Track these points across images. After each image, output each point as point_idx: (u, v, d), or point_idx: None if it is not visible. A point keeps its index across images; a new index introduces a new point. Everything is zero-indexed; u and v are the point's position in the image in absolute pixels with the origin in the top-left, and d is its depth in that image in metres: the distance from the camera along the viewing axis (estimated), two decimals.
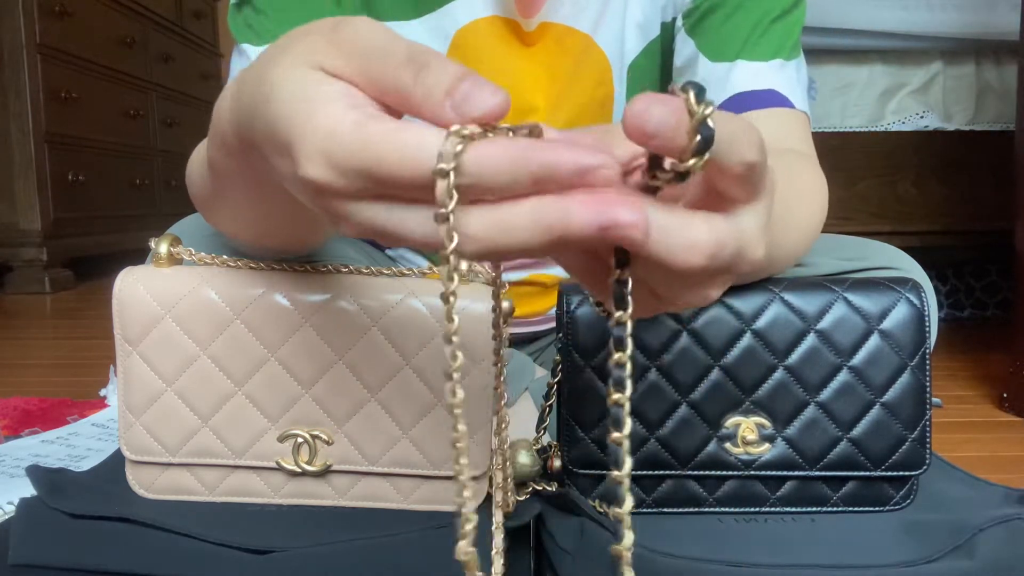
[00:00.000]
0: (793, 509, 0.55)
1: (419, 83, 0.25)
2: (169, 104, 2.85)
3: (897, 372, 0.53)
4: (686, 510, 0.55)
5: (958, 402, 1.05)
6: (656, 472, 0.54)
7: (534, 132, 0.25)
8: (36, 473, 0.53)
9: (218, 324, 0.51)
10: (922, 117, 1.49)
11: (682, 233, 0.24)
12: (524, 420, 0.67)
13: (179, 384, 0.51)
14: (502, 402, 0.40)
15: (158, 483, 0.54)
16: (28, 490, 0.52)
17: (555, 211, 0.23)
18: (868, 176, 1.50)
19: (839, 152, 1.48)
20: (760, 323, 0.53)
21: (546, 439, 0.60)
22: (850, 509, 0.55)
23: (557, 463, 0.56)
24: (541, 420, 0.58)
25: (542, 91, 0.68)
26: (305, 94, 0.26)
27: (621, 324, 0.24)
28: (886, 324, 0.53)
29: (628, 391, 0.23)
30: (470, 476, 0.24)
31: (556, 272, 0.74)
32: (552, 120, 0.67)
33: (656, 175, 0.24)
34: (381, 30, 0.27)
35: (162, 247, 0.51)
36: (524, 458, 0.56)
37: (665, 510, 0.55)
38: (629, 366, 0.24)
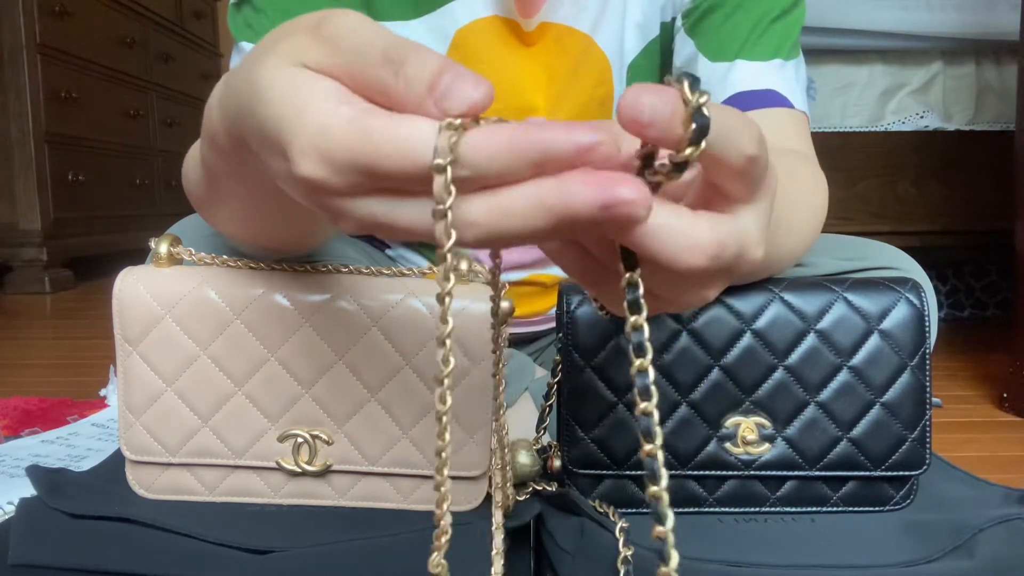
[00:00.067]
0: (793, 509, 0.55)
1: (399, 79, 0.24)
2: (169, 104, 2.85)
3: (897, 372, 0.53)
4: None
5: (958, 402, 1.05)
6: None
7: None
8: (36, 473, 0.53)
9: (218, 324, 0.51)
10: (922, 117, 1.50)
11: (684, 234, 0.24)
12: (524, 420, 0.67)
13: (179, 384, 0.51)
14: (501, 397, 0.40)
15: (158, 483, 0.54)
16: (28, 490, 0.52)
17: (555, 192, 0.22)
18: (868, 176, 1.50)
19: (839, 152, 1.48)
20: (760, 323, 0.53)
21: (546, 439, 0.60)
22: (850, 509, 0.55)
23: (557, 463, 0.56)
24: (541, 420, 0.59)
25: (542, 91, 0.68)
26: (294, 92, 0.26)
27: (638, 329, 0.23)
28: (886, 324, 0.53)
29: (655, 399, 0.23)
30: (451, 486, 0.24)
31: (556, 272, 0.74)
32: (552, 120, 0.67)
33: (656, 171, 0.24)
34: (362, 25, 0.26)
35: (162, 247, 0.51)
36: (524, 458, 0.56)
37: None
38: (652, 372, 0.23)
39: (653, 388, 0.23)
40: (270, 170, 0.28)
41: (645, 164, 0.24)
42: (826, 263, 0.60)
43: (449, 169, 0.22)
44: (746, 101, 0.60)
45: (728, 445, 0.53)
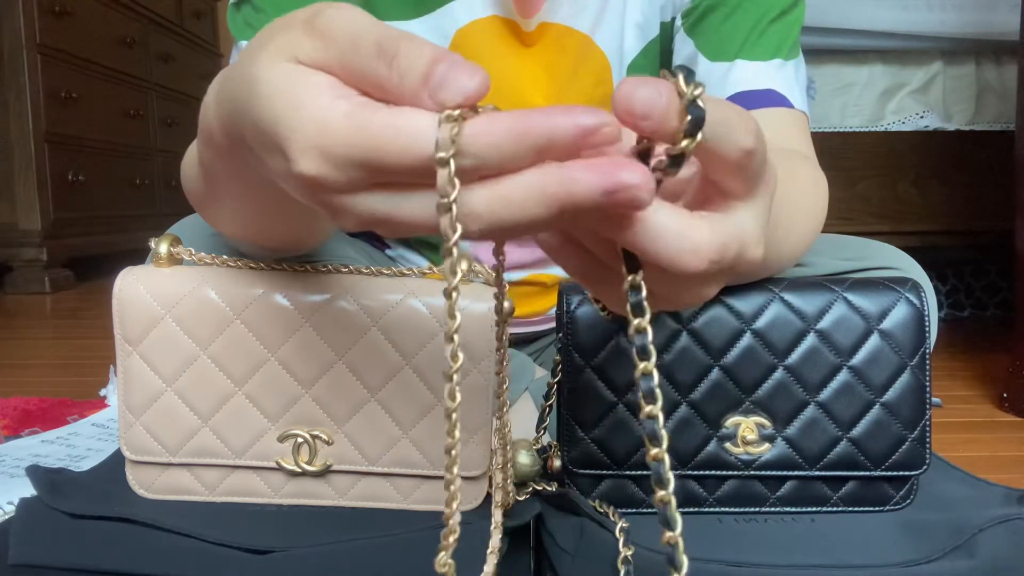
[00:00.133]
0: (793, 509, 0.55)
1: (393, 71, 0.24)
2: (169, 104, 2.85)
3: (897, 372, 0.53)
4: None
5: (958, 402, 1.05)
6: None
7: None
8: (36, 473, 0.53)
9: (218, 324, 0.51)
10: (922, 117, 1.50)
11: (685, 237, 0.24)
12: (524, 420, 0.67)
13: (179, 384, 0.51)
14: (505, 396, 0.40)
15: (158, 483, 0.54)
16: (28, 490, 0.52)
17: (558, 179, 0.22)
18: (868, 176, 1.50)
19: (839, 152, 1.48)
20: (760, 323, 0.53)
21: (546, 439, 0.60)
22: (850, 509, 0.55)
23: (557, 463, 0.56)
24: (541, 420, 0.58)
25: (541, 91, 0.68)
26: (289, 88, 0.25)
27: (641, 332, 0.23)
28: (886, 324, 0.53)
29: (660, 402, 0.22)
30: (467, 476, 0.24)
31: (556, 272, 0.75)
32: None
33: (653, 167, 0.24)
34: (356, 17, 0.26)
35: (162, 247, 0.51)
36: (524, 458, 0.56)
37: None
38: (657, 376, 0.23)
39: (658, 391, 0.22)
40: (268, 168, 0.28)
41: (642, 160, 0.24)
42: (826, 263, 0.60)
43: (452, 162, 0.22)
44: (746, 101, 0.60)
45: (728, 445, 0.53)
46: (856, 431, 0.53)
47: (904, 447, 0.53)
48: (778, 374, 0.53)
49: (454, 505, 0.24)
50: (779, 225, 0.43)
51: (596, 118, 0.22)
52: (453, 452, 0.24)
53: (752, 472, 0.54)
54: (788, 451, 0.53)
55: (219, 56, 3.32)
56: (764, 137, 0.27)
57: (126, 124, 2.55)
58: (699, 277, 0.26)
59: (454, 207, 0.22)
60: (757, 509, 0.55)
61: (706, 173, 0.27)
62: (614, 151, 0.23)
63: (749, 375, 0.53)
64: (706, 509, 0.55)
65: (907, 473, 0.54)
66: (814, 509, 0.55)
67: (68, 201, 2.21)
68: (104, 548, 0.47)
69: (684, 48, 0.66)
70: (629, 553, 0.47)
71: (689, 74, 0.23)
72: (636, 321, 0.23)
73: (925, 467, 0.54)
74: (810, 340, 0.53)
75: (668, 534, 0.22)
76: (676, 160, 0.23)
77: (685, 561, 0.22)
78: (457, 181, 0.22)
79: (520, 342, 0.80)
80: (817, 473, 0.54)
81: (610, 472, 0.54)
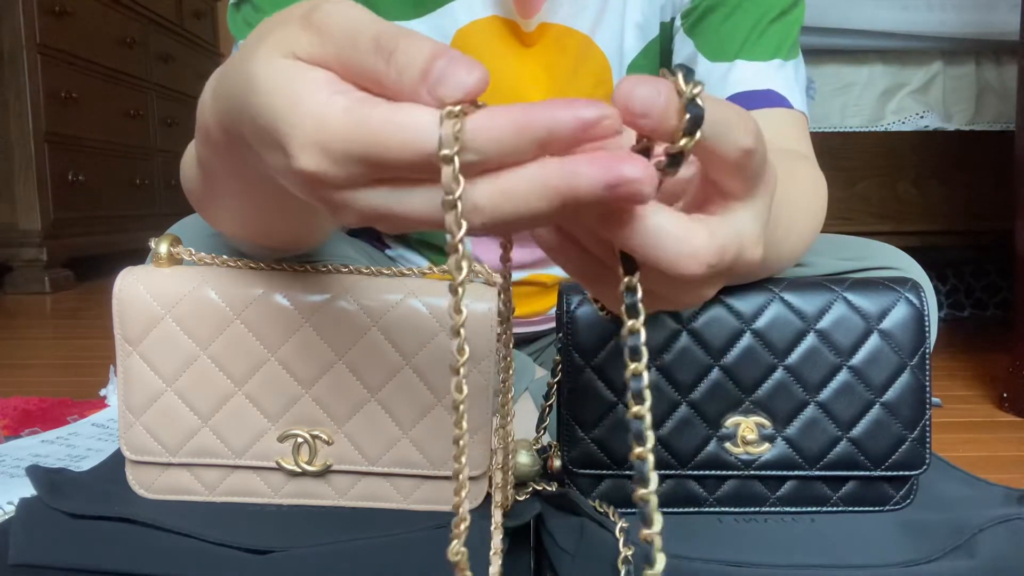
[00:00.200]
0: (793, 509, 0.55)
1: (391, 67, 0.24)
2: (169, 104, 2.85)
3: (897, 372, 0.53)
4: (686, 510, 0.55)
5: (958, 402, 1.05)
6: (656, 472, 0.54)
7: None
8: (36, 473, 0.53)
9: (218, 324, 0.51)
10: (922, 117, 1.50)
11: (684, 241, 0.24)
12: (524, 420, 0.67)
13: (179, 384, 0.51)
14: (509, 395, 0.40)
15: (158, 483, 0.54)
16: (28, 490, 0.52)
17: (560, 172, 0.22)
18: (868, 176, 1.50)
19: (839, 152, 1.48)
20: (760, 323, 0.53)
21: (546, 439, 0.60)
22: (850, 509, 0.55)
23: (557, 463, 0.56)
24: (541, 420, 0.59)
25: (541, 91, 0.68)
26: (287, 84, 0.25)
27: (635, 333, 0.23)
28: (886, 324, 0.53)
29: (648, 403, 0.22)
30: (468, 476, 0.24)
31: (556, 272, 0.75)
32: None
33: (652, 167, 0.24)
34: (354, 12, 0.25)
35: (162, 247, 0.51)
36: (524, 458, 0.56)
37: (665, 510, 0.55)
38: (646, 376, 0.23)
39: (647, 392, 0.23)
40: (267, 165, 0.28)
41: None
42: (826, 263, 0.60)
43: (456, 158, 0.22)
44: (745, 101, 0.60)
45: (728, 445, 0.53)
46: (856, 431, 0.53)
47: (904, 447, 0.53)
48: (778, 374, 0.53)
49: (463, 494, 0.24)
50: (779, 225, 0.43)
51: (597, 111, 0.22)
52: (461, 443, 0.24)
53: (752, 472, 0.54)
54: (788, 451, 0.53)
55: (219, 56, 3.32)
56: (764, 137, 0.27)
57: (126, 124, 2.55)
58: (697, 280, 0.26)
59: (459, 204, 0.22)
60: (757, 509, 0.55)
61: (706, 173, 0.27)
62: (615, 145, 0.23)
63: (749, 375, 0.53)
64: (706, 509, 0.55)
65: (907, 473, 0.54)
66: (814, 509, 0.55)
67: (68, 201, 2.21)
68: (104, 548, 0.47)
69: (684, 48, 0.66)
70: (629, 553, 0.47)
71: (688, 73, 0.23)
72: (630, 323, 0.23)
73: (925, 467, 0.54)
74: (810, 340, 0.53)
75: (646, 531, 0.22)
76: (675, 159, 0.23)
77: (661, 559, 0.22)
78: (461, 178, 0.22)
79: (520, 342, 0.80)
80: (817, 473, 0.54)
81: (610, 472, 0.54)
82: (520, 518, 0.50)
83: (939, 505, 0.55)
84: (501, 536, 0.46)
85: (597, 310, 0.53)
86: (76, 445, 0.77)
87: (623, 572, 0.46)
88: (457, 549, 0.24)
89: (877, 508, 0.55)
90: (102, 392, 0.99)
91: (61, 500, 0.50)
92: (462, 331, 0.23)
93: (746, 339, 0.53)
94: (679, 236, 0.24)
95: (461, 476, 0.24)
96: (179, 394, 0.51)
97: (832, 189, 0.58)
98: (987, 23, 1.41)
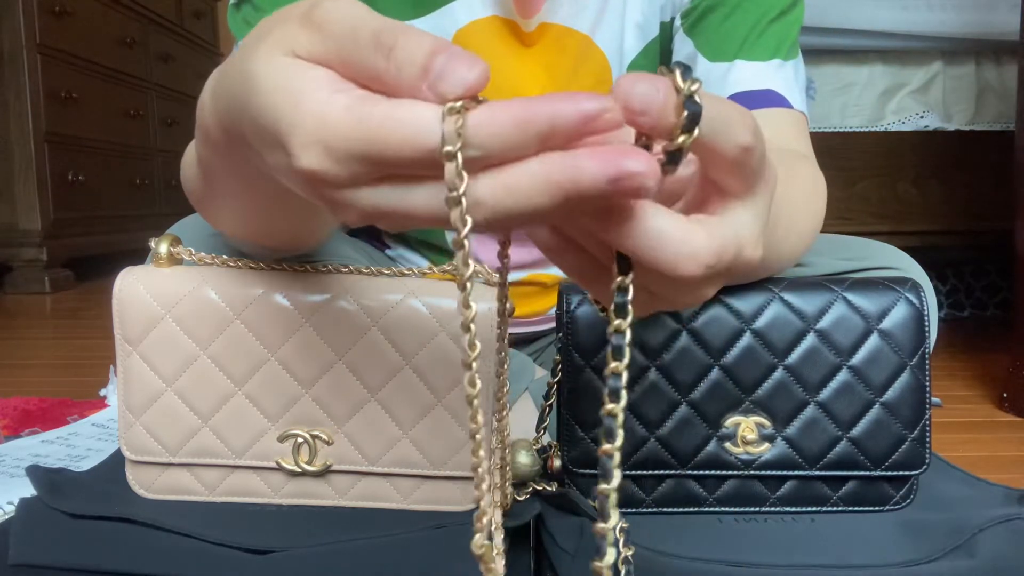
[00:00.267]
0: (793, 509, 0.55)
1: (391, 63, 0.23)
2: (169, 104, 2.85)
3: (897, 372, 0.53)
4: (686, 510, 0.55)
5: (958, 402, 1.05)
6: (656, 472, 0.54)
7: None
8: (36, 473, 0.53)
9: (218, 324, 0.51)
10: (922, 117, 1.50)
11: (682, 242, 0.24)
12: (524, 420, 0.67)
13: (179, 384, 0.51)
14: (506, 397, 0.40)
15: (158, 483, 0.54)
16: (28, 490, 0.52)
17: (562, 167, 0.22)
18: (868, 176, 1.50)
19: (839, 152, 1.48)
20: (760, 323, 0.53)
21: (546, 439, 0.60)
22: (850, 509, 0.55)
23: (557, 463, 0.56)
24: (541, 420, 0.59)
25: (541, 91, 0.67)
26: (288, 83, 0.25)
27: (620, 332, 0.23)
28: (886, 324, 0.53)
29: (623, 402, 0.23)
30: (487, 468, 0.24)
31: (556, 272, 0.74)
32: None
33: None
34: (352, 10, 0.25)
35: (162, 247, 0.51)
36: (524, 458, 0.56)
37: (665, 510, 0.55)
38: (625, 376, 0.23)
39: (624, 392, 0.22)
40: (268, 164, 0.28)
41: None
42: (826, 263, 0.60)
43: (459, 155, 0.22)
44: (745, 101, 0.60)
45: (728, 445, 0.53)
46: (856, 431, 0.53)
47: (904, 447, 0.53)
48: (778, 374, 0.53)
49: (483, 487, 0.24)
50: (779, 225, 0.43)
51: (599, 103, 0.22)
52: (478, 437, 0.24)
53: (752, 472, 0.54)
54: (788, 451, 0.53)
55: (219, 56, 3.32)
56: (763, 135, 0.27)
57: (126, 124, 2.55)
58: (697, 280, 0.26)
59: (463, 201, 0.22)
60: (757, 509, 0.55)
61: (705, 172, 0.27)
62: (617, 139, 0.23)
63: (749, 375, 0.53)
64: (706, 509, 0.55)
65: (907, 473, 0.54)
66: (814, 509, 0.55)
67: (68, 201, 2.21)
68: (104, 548, 0.47)
69: (684, 48, 0.66)
70: (629, 553, 0.47)
71: (686, 70, 0.23)
72: (616, 322, 0.23)
73: (925, 467, 0.54)
74: (810, 340, 0.53)
75: (600, 525, 0.22)
76: (674, 157, 0.23)
77: (611, 553, 0.22)
78: (465, 174, 0.22)
79: (520, 342, 0.80)
80: (817, 473, 0.54)
81: None
82: (520, 518, 0.50)
83: (939, 505, 0.55)
84: (501, 536, 0.46)
85: (597, 310, 0.53)
86: (76, 445, 0.77)
87: (623, 572, 0.46)
88: (481, 542, 0.24)
89: (877, 508, 0.55)
90: (102, 392, 0.99)
91: (61, 500, 0.50)
92: (472, 327, 0.23)
93: (746, 339, 0.53)
94: (678, 237, 0.24)
95: (480, 469, 0.24)
96: (179, 394, 0.51)
97: (832, 189, 0.58)
98: (987, 23, 1.41)
